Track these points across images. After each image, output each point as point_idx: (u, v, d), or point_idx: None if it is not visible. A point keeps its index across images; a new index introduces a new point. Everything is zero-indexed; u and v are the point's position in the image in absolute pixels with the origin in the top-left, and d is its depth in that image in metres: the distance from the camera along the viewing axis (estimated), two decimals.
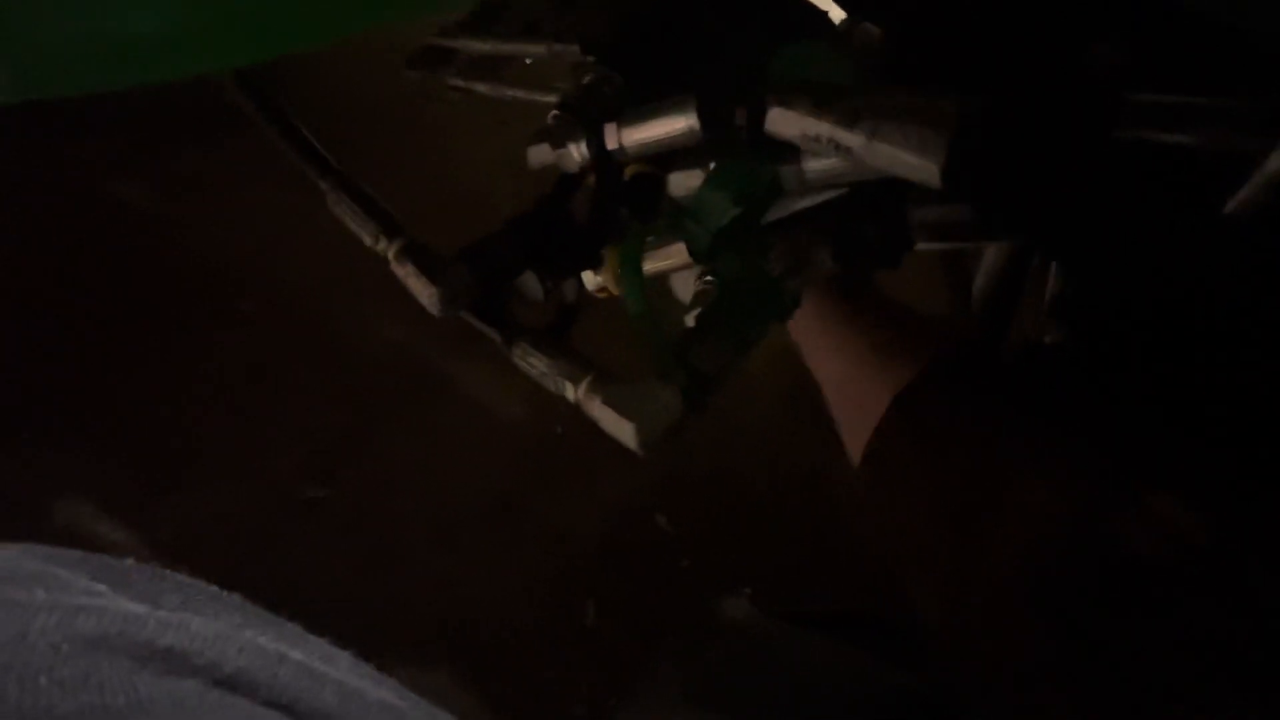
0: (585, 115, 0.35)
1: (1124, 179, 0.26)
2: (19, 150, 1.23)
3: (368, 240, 0.37)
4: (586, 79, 0.38)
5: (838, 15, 0.37)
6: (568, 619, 0.87)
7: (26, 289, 1.12)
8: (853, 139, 0.24)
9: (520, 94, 0.49)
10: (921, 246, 0.31)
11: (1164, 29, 0.26)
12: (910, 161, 0.23)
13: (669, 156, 0.35)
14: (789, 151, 0.29)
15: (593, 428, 0.32)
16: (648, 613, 0.87)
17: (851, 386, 0.37)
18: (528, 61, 0.48)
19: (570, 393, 0.32)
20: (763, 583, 0.87)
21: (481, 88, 0.50)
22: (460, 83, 0.51)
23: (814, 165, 0.29)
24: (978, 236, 0.30)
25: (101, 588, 0.14)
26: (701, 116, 0.29)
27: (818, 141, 0.26)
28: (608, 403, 0.30)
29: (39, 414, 1.01)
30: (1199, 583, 0.25)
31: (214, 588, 0.16)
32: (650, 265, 0.38)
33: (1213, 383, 0.29)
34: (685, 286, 0.39)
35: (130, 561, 0.16)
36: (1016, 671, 0.27)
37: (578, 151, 0.35)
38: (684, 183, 0.34)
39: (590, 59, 0.39)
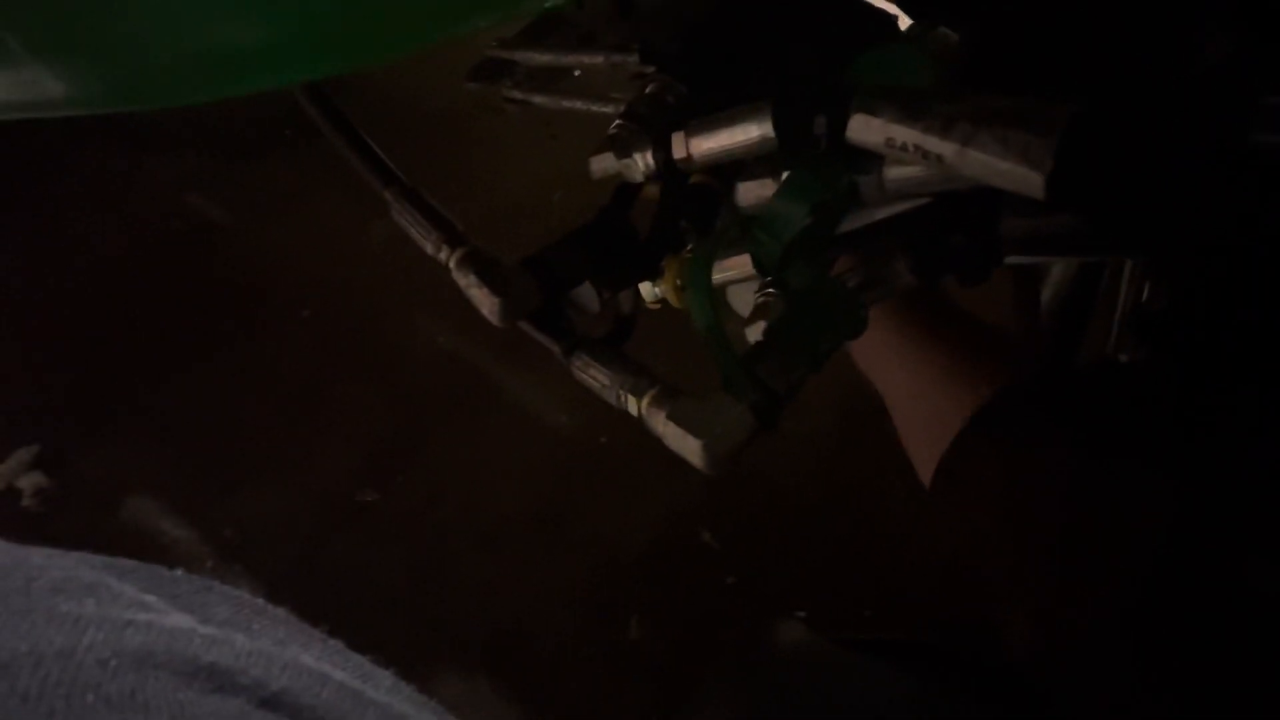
0: (652, 125, 0.34)
1: (1256, 188, 0.24)
2: (99, 164, 1.30)
3: (430, 249, 0.37)
4: (649, 89, 0.37)
5: (905, 21, 0.35)
6: (610, 633, 0.86)
7: (104, 295, 1.18)
8: (944, 146, 0.23)
9: (577, 105, 0.49)
10: (1009, 260, 0.30)
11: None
12: (1009, 170, 0.21)
13: (730, 166, 0.34)
14: (869, 159, 0.27)
15: (637, 438, 0.31)
16: (691, 630, 0.86)
17: (922, 402, 0.36)
18: (576, 74, 0.47)
19: (634, 407, 0.31)
20: (810, 602, 0.84)
21: (539, 99, 0.50)
22: (517, 94, 0.51)
23: (895, 173, 0.28)
24: (1075, 250, 0.28)
25: (151, 599, 0.14)
26: (777, 125, 0.28)
27: (904, 149, 0.24)
28: (673, 418, 0.29)
29: (112, 413, 1.05)
30: None
31: (260, 600, 0.16)
32: (713, 277, 0.37)
33: None
34: (743, 298, 0.38)
35: (180, 572, 0.16)
36: (1127, 701, 0.26)
37: (643, 161, 0.34)
38: (754, 192, 0.33)
39: (650, 69, 0.39)
